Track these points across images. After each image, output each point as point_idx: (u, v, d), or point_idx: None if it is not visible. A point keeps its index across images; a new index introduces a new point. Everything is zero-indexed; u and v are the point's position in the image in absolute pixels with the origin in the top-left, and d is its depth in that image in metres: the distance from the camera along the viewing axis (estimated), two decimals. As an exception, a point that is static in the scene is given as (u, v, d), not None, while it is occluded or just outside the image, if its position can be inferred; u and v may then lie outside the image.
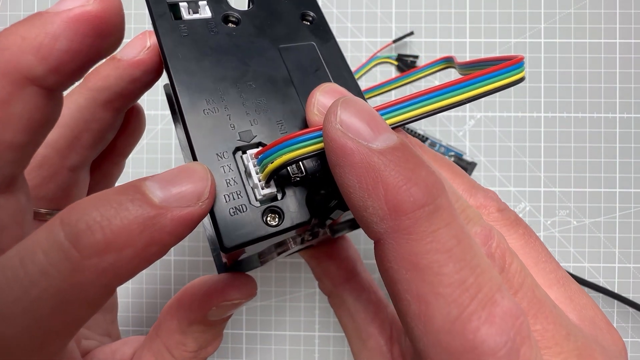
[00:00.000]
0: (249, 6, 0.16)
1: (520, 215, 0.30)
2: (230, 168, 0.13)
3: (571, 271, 0.28)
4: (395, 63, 0.30)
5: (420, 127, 0.30)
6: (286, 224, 0.12)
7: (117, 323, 0.22)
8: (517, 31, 0.31)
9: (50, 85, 0.11)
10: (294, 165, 0.13)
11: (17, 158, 0.12)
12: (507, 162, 0.31)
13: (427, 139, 0.29)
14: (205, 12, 0.15)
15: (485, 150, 0.31)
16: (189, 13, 0.15)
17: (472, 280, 0.10)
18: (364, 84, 0.31)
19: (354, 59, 0.31)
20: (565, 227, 0.30)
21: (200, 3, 0.15)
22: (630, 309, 0.30)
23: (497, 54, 0.31)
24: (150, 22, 0.14)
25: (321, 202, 0.12)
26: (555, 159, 0.30)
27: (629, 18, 0.31)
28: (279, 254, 0.15)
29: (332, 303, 0.17)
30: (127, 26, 0.13)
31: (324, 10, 0.31)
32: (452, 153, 0.29)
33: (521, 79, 0.13)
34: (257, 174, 0.12)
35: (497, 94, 0.30)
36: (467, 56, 0.31)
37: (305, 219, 0.13)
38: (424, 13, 0.31)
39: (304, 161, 0.13)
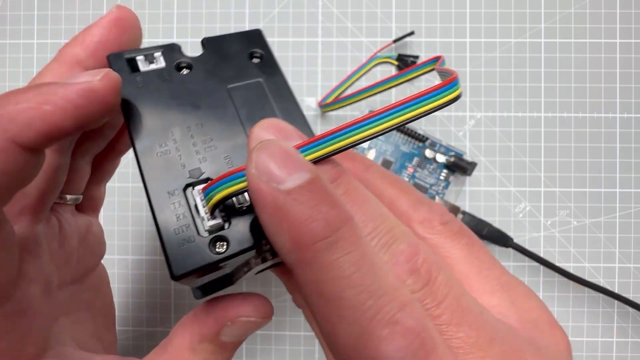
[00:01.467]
0: (202, 51, 0.17)
1: (520, 215, 0.30)
2: (180, 204, 0.14)
3: (571, 271, 0.28)
4: (396, 63, 0.30)
5: (420, 127, 0.30)
6: (232, 250, 0.13)
7: (114, 332, 0.21)
8: (518, 31, 0.31)
9: (36, 147, 0.13)
10: (240, 196, 0.14)
11: None
12: (507, 162, 0.30)
13: (427, 139, 0.29)
14: (160, 62, 0.16)
15: (485, 150, 0.31)
16: (146, 65, 0.16)
17: (371, 303, 0.11)
18: (364, 83, 0.31)
19: (353, 58, 0.31)
20: (565, 227, 0.30)
21: (155, 54, 0.16)
22: (631, 309, 0.30)
23: (497, 53, 0.31)
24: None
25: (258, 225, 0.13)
26: (556, 159, 0.30)
27: (629, 18, 0.31)
28: (245, 272, 0.15)
29: (306, 316, 0.17)
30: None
31: (324, 10, 0.31)
32: (452, 153, 0.29)
33: (457, 97, 0.13)
34: (203, 207, 0.13)
35: (497, 94, 0.30)
36: (467, 56, 0.31)
37: (250, 244, 0.13)
38: (424, 13, 0.31)
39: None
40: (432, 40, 0.31)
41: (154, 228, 0.16)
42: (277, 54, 0.31)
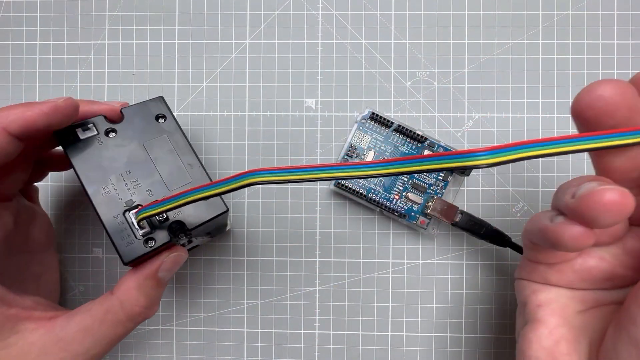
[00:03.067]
0: (121, 121, 0.24)
1: (518, 215, 0.31)
2: (122, 222, 0.22)
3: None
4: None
5: (419, 127, 0.31)
6: (157, 244, 0.22)
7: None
8: (516, 33, 0.31)
9: (18, 135, 0.21)
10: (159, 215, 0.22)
11: None
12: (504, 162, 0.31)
13: (426, 139, 0.30)
14: (93, 131, 0.23)
15: (483, 151, 0.31)
16: (83, 133, 0.23)
17: None
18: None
19: (353, 60, 0.31)
20: (563, 227, 0.31)
21: (89, 125, 0.23)
22: (628, 308, 0.30)
23: (495, 55, 0.31)
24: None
25: (172, 228, 0.22)
26: (554, 159, 0.31)
27: (627, 19, 0.31)
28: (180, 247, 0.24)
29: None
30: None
31: (324, 12, 0.31)
32: (451, 153, 0.29)
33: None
34: (137, 222, 0.22)
35: (495, 95, 0.30)
36: (465, 57, 0.31)
37: (167, 239, 0.22)
38: (423, 15, 0.31)
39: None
40: (431, 42, 0.31)
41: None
42: (278, 55, 0.31)
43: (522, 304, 0.22)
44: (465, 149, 0.14)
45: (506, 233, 0.29)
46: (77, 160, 0.23)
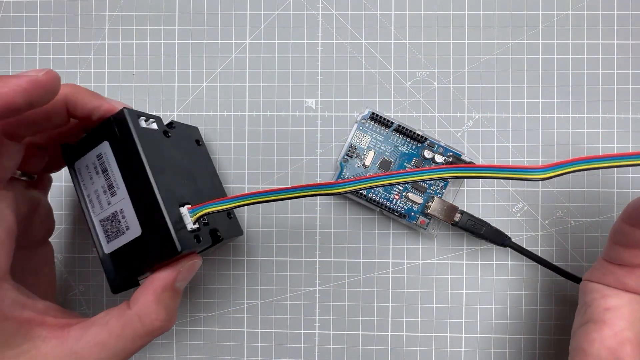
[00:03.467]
0: (170, 127, 0.26)
1: (518, 215, 0.31)
2: (177, 213, 0.22)
3: (569, 270, 0.28)
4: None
5: (419, 127, 0.31)
6: (204, 245, 0.23)
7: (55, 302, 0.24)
8: (516, 32, 0.31)
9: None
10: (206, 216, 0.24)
11: None
12: (505, 162, 0.31)
13: (426, 139, 0.30)
14: (154, 127, 0.24)
15: (483, 151, 0.31)
16: (145, 123, 0.24)
17: None
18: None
19: (353, 60, 0.31)
20: (562, 227, 0.31)
21: (150, 120, 0.24)
22: (628, 308, 0.30)
23: (495, 55, 0.31)
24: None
25: (214, 233, 0.24)
26: (553, 159, 0.31)
27: (627, 19, 0.31)
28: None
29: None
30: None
31: (324, 12, 0.31)
32: (451, 153, 0.29)
33: None
34: (189, 217, 0.22)
35: (495, 95, 0.30)
36: (465, 57, 0.31)
37: (210, 243, 0.24)
38: (423, 15, 0.31)
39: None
40: (431, 42, 0.31)
41: None
42: (278, 55, 0.31)
43: (587, 305, 0.22)
44: (520, 165, 0.17)
45: (506, 233, 0.29)
46: (143, 143, 0.22)
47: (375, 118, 0.30)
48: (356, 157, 0.30)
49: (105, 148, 0.23)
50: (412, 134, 0.30)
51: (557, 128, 0.31)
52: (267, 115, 0.31)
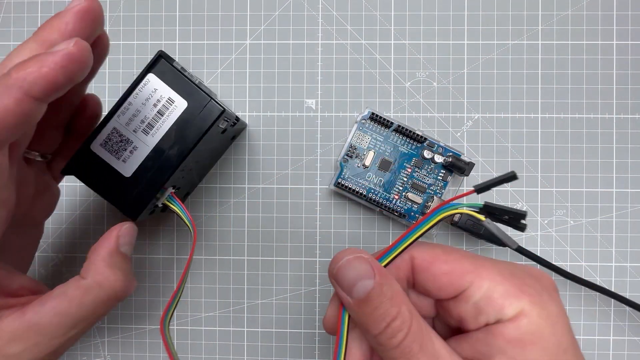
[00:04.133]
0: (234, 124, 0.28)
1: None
2: (165, 191, 0.25)
3: (568, 270, 0.28)
4: (481, 217, 0.21)
5: (418, 127, 0.31)
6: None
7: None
8: (515, 33, 0.31)
9: (41, 98, 0.18)
10: None
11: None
12: (504, 162, 0.31)
13: (425, 139, 0.30)
14: (224, 124, 0.26)
15: (482, 151, 0.31)
16: (223, 122, 0.26)
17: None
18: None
19: (353, 60, 0.31)
20: (562, 227, 0.31)
21: (226, 119, 0.26)
22: (628, 308, 0.30)
23: (494, 55, 0.31)
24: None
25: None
26: (553, 159, 0.31)
27: (626, 20, 0.31)
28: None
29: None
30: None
31: (324, 12, 0.31)
32: (450, 153, 0.29)
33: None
34: (164, 199, 0.26)
35: (495, 95, 0.30)
36: (464, 58, 0.31)
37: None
38: (423, 15, 0.31)
39: None
40: (431, 42, 0.31)
41: None
42: (278, 55, 0.31)
43: None
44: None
45: (506, 233, 0.29)
46: (205, 136, 0.24)
47: (375, 118, 0.30)
48: (356, 157, 0.30)
49: (182, 105, 0.24)
50: (411, 134, 0.30)
51: (556, 128, 0.31)
52: (267, 116, 0.31)
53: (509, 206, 0.19)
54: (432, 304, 0.23)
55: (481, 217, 0.20)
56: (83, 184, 0.24)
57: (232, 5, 0.32)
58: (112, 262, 0.22)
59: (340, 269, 0.19)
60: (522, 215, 0.19)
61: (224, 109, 0.24)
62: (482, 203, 0.20)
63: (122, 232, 0.23)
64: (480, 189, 0.20)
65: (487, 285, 0.20)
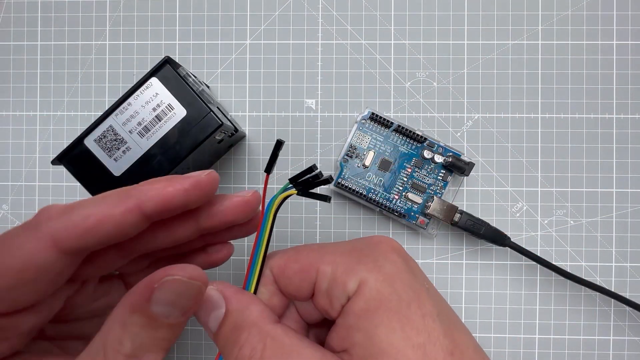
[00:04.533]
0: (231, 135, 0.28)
1: (517, 215, 0.31)
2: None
3: (568, 270, 0.28)
4: (294, 192, 0.20)
5: (418, 127, 0.31)
6: None
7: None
8: (515, 33, 0.31)
9: (149, 216, 0.17)
10: None
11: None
12: (504, 162, 0.31)
13: (425, 139, 0.30)
14: (221, 136, 0.26)
15: (482, 151, 0.31)
16: (219, 133, 0.25)
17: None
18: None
19: (353, 60, 0.31)
20: (562, 227, 0.31)
21: (223, 131, 0.26)
22: (627, 308, 0.30)
23: (494, 55, 0.31)
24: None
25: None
26: (553, 159, 0.31)
27: (626, 20, 0.31)
28: None
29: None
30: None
31: (324, 12, 0.31)
32: (450, 153, 0.29)
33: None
34: None
35: (495, 95, 0.30)
36: (465, 58, 0.31)
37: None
38: (422, 15, 0.31)
39: None
40: (431, 42, 0.31)
41: None
42: (278, 55, 0.31)
43: None
44: None
45: (505, 233, 0.29)
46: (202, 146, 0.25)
47: (375, 118, 0.30)
48: (356, 157, 0.30)
49: (181, 113, 0.24)
50: (411, 134, 0.30)
51: (556, 128, 0.31)
52: (267, 116, 0.31)
53: (303, 169, 0.19)
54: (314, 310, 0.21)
55: (293, 191, 0.19)
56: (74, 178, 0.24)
57: (232, 5, 0.32)
58: (129, 322, 0.16)
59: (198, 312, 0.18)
60: (313, 169, 0.19)
61: (222, 122, 0.24)
62: (287, 180, 0.20)
63: (165, 280, 0.16)
64: (294, 180, 0.20)
65: (330, 269, 0.19)
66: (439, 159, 0.30)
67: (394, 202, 0.30)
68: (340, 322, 0.19)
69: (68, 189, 0.32)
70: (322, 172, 0.19)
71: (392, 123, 0.30)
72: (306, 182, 0.19)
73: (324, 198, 0.20)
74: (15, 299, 0.16)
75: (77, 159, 0.24)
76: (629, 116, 0.31)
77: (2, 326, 0.16)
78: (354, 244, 0.21)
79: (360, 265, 0.19)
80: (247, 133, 0.31)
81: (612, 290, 0.29)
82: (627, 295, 0.29)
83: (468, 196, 0.31)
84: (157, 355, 0.16)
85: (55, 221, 0.16)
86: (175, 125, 0.24)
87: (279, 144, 0.19)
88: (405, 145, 0.30)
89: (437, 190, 0.30)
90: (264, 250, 0.20)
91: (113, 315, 0.16)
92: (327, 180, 0.19)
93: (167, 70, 0.24)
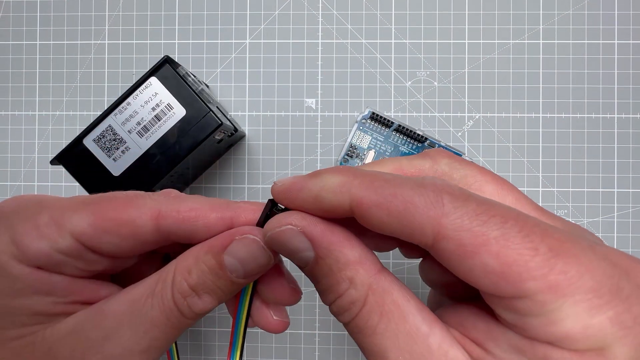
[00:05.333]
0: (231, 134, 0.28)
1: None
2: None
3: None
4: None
5: (419, 127, 0.30)
6: None
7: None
8: (516, 32, 0.31)
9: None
10: None
11: None
12: (505, 162, 0.31)
13: (426, 139, 0.30)
14: (221, 135, 0.26)
15: (483, 151, 0.31)
16: (219, 133, 0.25)
17: None
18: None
19: (353, 59, 0.31)
20: (563, 227, 0.31)
21: (223, 131, 0.26)
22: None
23: (495, 55, 0.31)
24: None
25: None
26: (554, 159, 0.31)
27: (627, 19, 0.31)
28: None
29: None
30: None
31: (324, 12, 0.31)
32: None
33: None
34: None
35: (495, 95, 0.30)
36: (465, 57, 0.31)
37: None
38: (423, 14, 0.31)
39: None
40: (432, 41, 0.31)
41: None
42: (278, 55, 0.31)
43: None
44: None
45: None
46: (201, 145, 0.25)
47: (375, 118, 0.30)
48: (356, 157, 0.30)
49: (180, 112, 0.24)
50: (412, 133, 0.29)
51: (557, 128, 0.31)
52: (267, 115, 0.31)
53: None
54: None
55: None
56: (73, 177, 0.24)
57: (231, 4, 0.32)
58: (202, 258, 0.17)
59: (272, 239, 0.16)
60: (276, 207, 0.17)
61: (221, 122, 0.24)
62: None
63: (241, 239, 0.17)
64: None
65: (571, 309, 0.12)
66: (439, 158, 0.29)
67: (394, 202, 0.30)
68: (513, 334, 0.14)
69: (67, 189, 0.32)
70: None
71: (392, 123, 0.30)
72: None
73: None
74: (110, 242, 0.17)
75: (76, 159, 0.24)
76: (630, 116, 0.31)
77: (91, 260, 0.17)
78: (609, 271, 0.13)
79: (611, 310, 0.12)
80: (246, 133, 0.31)
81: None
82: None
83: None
84: (213, 300, 0.17)
85: (165, 199, 0.17)
86: (175, 124, 0.24)
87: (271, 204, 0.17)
88: (405, 145, 0.30)
89: (438, 190, 0.30)
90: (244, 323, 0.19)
91: (189, 250, 0.17)
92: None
93: (166, 69, 0.24)
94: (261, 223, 0.17)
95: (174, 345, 0.21)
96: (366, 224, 0.15)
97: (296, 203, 0.16)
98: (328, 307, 0.16)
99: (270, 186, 0.17)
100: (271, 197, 0.16)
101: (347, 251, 0.15)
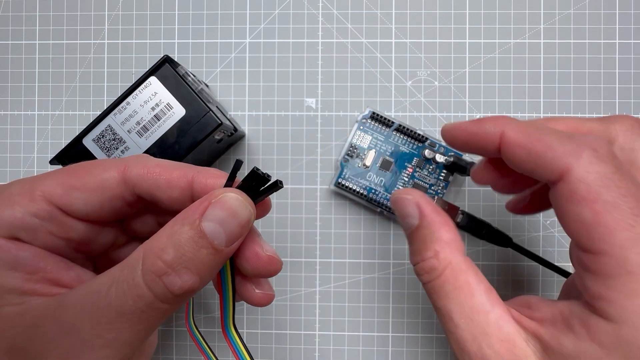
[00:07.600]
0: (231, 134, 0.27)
1: (519, 215, 0.31)
2: None
3: (571, 270, 0.28)
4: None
5: (419, 127, 0.30)
6: None
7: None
8: (517, 32, 0.31)
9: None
10: None
11: None
12: (506, 162, 0.31)
13: (426, 139, 0.29)
14: (221, 135, 0.26)
15: (484, 151, 0.31)
16: (219, 133, 0.25)
17: None
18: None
19: (353, 59, 0.31)
20: (564, 227, 0.30)
21: (223, 131, 0.26)
22: (630, 309, 0.30)
23: (496, 54, 0.31)
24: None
25: None
26: (555, 159, 0.31)
27: (629, 18, 0.31)
28: None
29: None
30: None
31: (324, 11, 0.31)
32: (452, 153, 0.29)
33: None
34: None
35: (496, 94, 0.30)
36: (466, 57, 0.31)
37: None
38: (424, 14, 0.31)
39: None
40: (432, 41, 0.31)
41: None
42: (278, 54, 0.31)
43: None
44: None
45: (507, 233, 0.29)
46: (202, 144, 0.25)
47: (375, 117, 0.30)
48: (357, 156, 0.30)
49: (180, 112, 0.24)
50: (413, 133, 0.29)
51: (558, 128, 0.31)
52: (267, 115, 0.31)
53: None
54: None
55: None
56: None
57: (231, 3, 0.32)
58: (177, 231, 0.16)
59: (396, 200, 0.21)
60: (263, 177, 0.17)
61: (221, 122, 0.24)
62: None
63: (218, 199, 0.16)
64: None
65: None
66: (440, 158, 0.29)
67: (394, 202, 0.29)
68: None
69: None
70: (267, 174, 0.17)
71: (393, 122, 0.30)
72: (253, 190, 0.17)
73: (274, 187, 0.17)
74: (79, 197, 0.18)
75: (75, 159, 0.24)
76: (632, 116, 0.30)
77: (64, 224, 0.18)
78: None
79: None
80: (246, 132, 0.31)
81: (615, 291, 0.29)
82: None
83: (469, 196, 0.31)
84: (193, 276, 0.16)
85: (134, 157, 0.19)
86: (174, 124, 0.24)
87: (238, 164, 0.17)
88: (406, 145, 0.30)
89: (439, 191, 0.30)
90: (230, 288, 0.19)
91: (159, 231, 0.16)
92: (276, 185, 0.17)
93: (166, 69, 0.24)
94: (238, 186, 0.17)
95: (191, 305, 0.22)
96: (508, 160, 0.18)
97: (460, 138, 0.20)
98: (413, 267, 0.20)
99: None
100: (253, 168, 0.17)
101: (442, 231, 0.19)
